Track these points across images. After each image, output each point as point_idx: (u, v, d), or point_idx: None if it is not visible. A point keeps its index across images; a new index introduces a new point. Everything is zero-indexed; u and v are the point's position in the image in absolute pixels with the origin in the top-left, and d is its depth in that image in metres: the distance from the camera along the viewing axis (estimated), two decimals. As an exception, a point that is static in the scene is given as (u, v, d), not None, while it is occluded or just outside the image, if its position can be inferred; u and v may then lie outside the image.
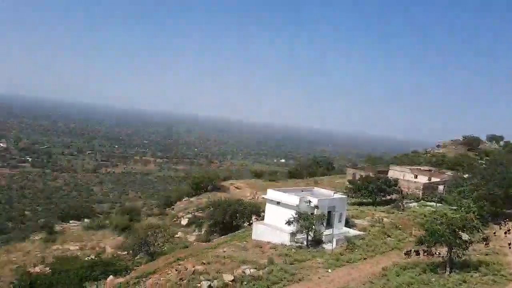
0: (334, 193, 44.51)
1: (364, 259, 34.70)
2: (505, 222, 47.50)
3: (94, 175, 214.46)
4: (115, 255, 43.45)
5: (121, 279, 33.36)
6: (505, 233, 43.40)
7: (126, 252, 43.73)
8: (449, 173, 66.68)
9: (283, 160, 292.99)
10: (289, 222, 36.51)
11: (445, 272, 29.93)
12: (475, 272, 29.94)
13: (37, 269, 40.46)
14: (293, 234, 36.60)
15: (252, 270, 30.33)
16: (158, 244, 41.16)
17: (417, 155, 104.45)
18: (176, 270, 31.16)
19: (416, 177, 65.82)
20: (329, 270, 31.43)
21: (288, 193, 40.32)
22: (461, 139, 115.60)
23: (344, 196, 44.95)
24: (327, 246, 36.44)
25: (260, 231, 39.56)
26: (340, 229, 39.77)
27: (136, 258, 41.89)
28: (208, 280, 28.95)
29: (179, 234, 49.67)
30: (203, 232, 50.16)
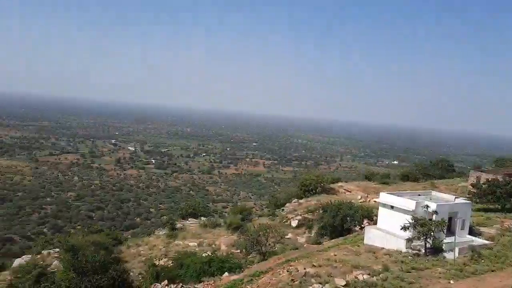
0: (455, 197, 41.22)
1: (492, 271, 31.31)
2: None
3: (209, 176, 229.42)
4: (229, 252, 45.52)
5: (235, 276, 34.85)
6: None
7: (239, 250, 45.51)
8: None
9: (395, 162, 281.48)
10: (404, 228, 34.57)
11: None
12: None
13: (162, 262, 44.18)
14: (409, 240, 34.60)
15: (365, 276, 29.30)
16: (270, 244, 42.03)
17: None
18: (288, 271, 31.46)
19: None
20: (451, 282, 28.93)
21: (403, 197, 38.29)
22: None
23: (468, 201, 41.28)
24: (448, 255, 33.68)
25: (373, 236, 38.20)
26: (463, 237, 36.50)
27: (248, 256, 43.36)
28: (320, 283, 28.64)
29: (289, 235, 50.10)
30: (313, 234, 49.96)
